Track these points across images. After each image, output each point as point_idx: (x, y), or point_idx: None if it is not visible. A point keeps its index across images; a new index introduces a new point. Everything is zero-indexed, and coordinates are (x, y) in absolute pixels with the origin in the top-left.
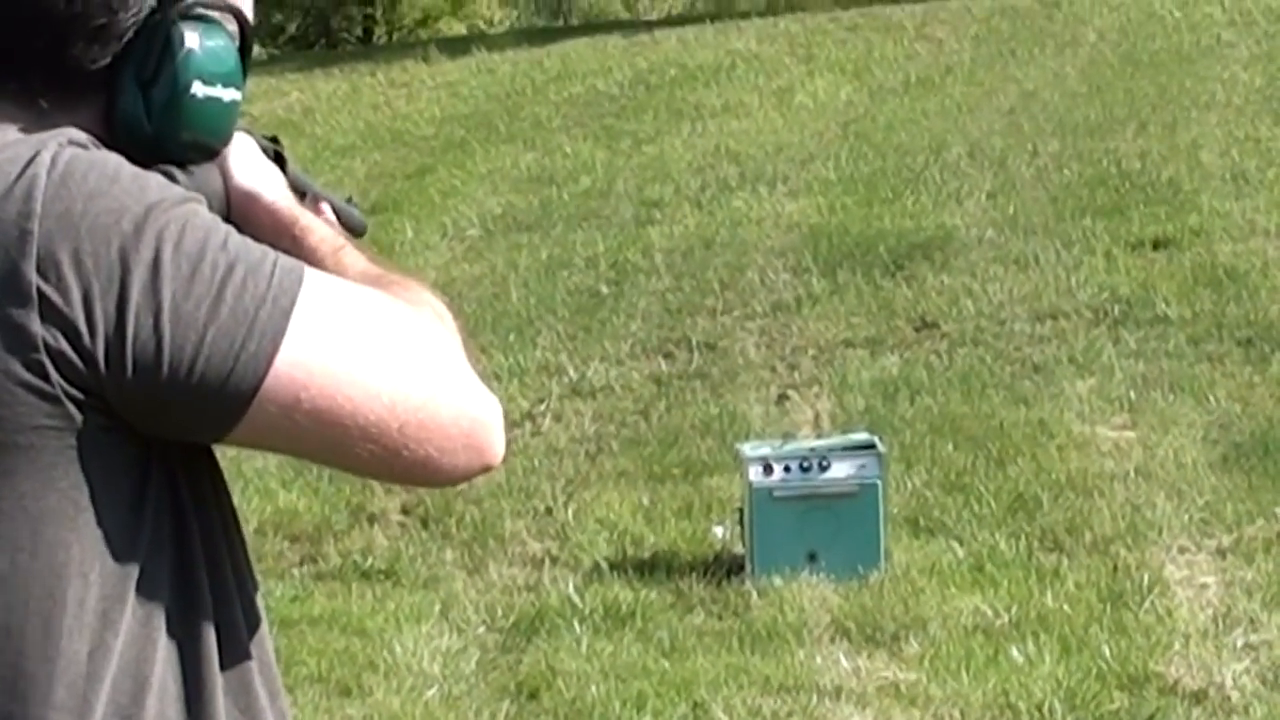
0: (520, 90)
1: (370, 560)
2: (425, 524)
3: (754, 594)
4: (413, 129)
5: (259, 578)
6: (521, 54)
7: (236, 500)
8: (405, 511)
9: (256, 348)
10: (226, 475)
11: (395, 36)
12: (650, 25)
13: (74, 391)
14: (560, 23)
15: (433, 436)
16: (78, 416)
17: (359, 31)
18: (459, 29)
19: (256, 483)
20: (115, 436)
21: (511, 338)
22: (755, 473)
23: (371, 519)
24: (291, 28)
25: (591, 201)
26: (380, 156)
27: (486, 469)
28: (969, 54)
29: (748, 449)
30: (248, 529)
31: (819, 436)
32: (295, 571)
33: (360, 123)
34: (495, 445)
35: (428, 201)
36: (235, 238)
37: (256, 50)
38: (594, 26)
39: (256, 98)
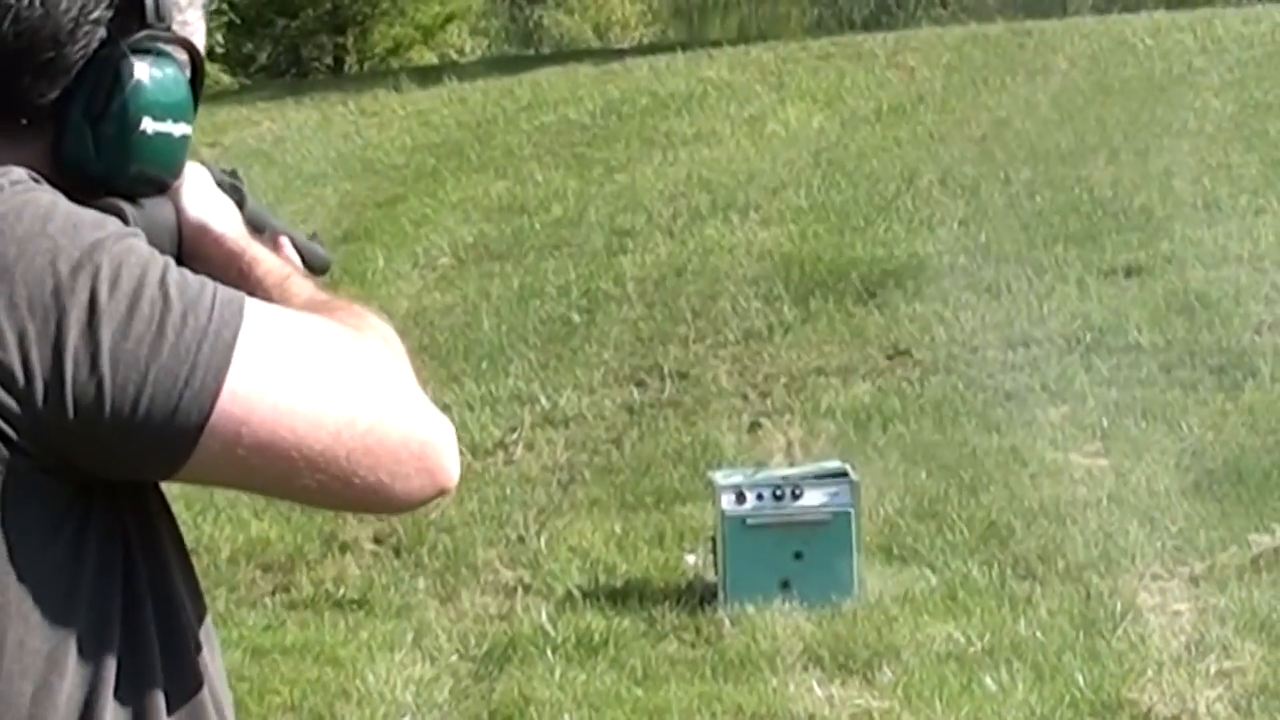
0: (491, 119)
1: (343, 589)
2: (398, 553)
3: (727, 622)
4: (384, 158)
5: (207, 601)
6: (493, 83)
7: (209, 529)
8: (378, 540)
9: (200, 384)
10: (199, 504)
11: (366, 65)
12: (621, 53)
13: (10, 433)
14: (531, 51)
15: (382, 462)
16: (14, 460)
17: (330, 60)
18: (430, 58)
19: (229, 512)
20: (54, 478)
21: (484, 366)
22: (728, 501)
23: (344, 548)
24: (262, 57)
25: (563, 230)
26: (351, 185)
27: (442, 492)
28: (940, 82)
29: (720, 477)
30: (220, 558)
31: (791, 465)
32: (268, 600)
33: (331, 151)
34: (448, 467)
35: (399, 230)
36: (174, 272)
37: (227, 80)
38: (565, 55)
39: (227, 127)
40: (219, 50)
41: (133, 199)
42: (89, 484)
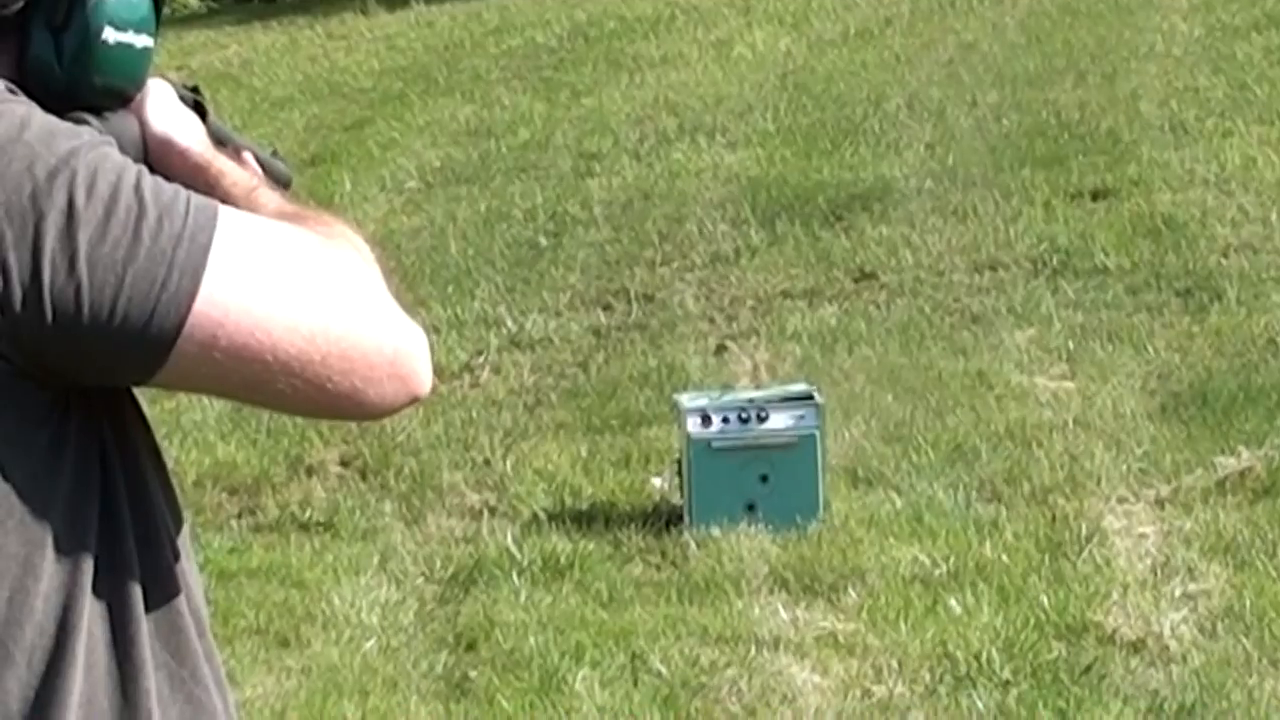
0: (458, 43)
1: (309, 512)
2: (364, 476)
3: (692, 545)
4: (351, 81)
5: (186, 514)
6: (460, 7)
7: (175, 452)
8: (344, 463)
9: (177, 287)
10: (165, 428)
11: None
12: None
13: None
14: None
15: (356, 367)
16: None
17: None
18: None
19: (195, 435)
20: (31, 384)
21: (450, 290)
22: (693, 424)
23: (310, 471)
24: None
25: (530, 154)
26: (318, 109)
27: (414, 399)
28: (908, 5)
29: (686, 400)
30: (185, 481)
31: (757, 387)
32: (233, 523)
33: (298, 75)
34: (421, 374)
35: (366, 154)
36: (148, 179)
37: (195, 3)
38: None
39: (194, 50)
40: None
41: (97, 111)
42: (66, 391)
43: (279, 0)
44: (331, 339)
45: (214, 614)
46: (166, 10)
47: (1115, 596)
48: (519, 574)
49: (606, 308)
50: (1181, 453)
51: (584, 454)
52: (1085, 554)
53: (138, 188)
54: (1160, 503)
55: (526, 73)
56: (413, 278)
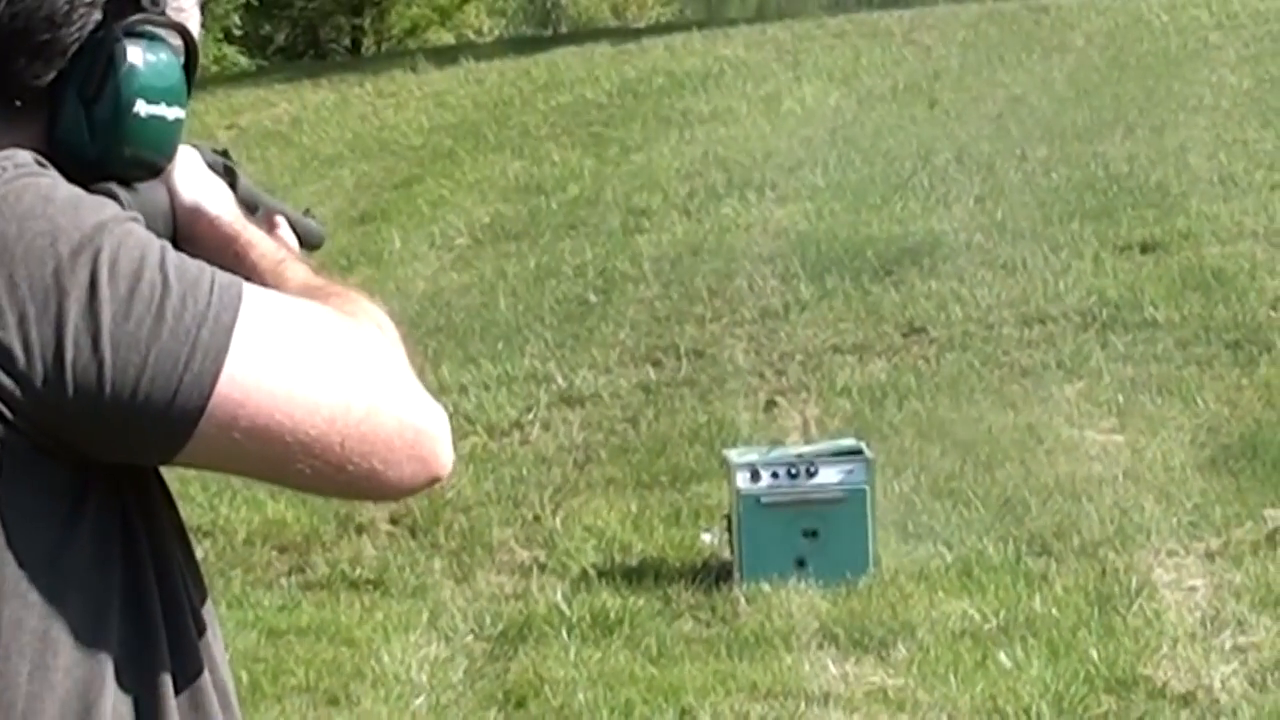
0: (508, 99)
1: (358, 570)
2: (413, 533)
3: (742, 600)
4: (400, 139)
5: (207, 584)
6: (509, 63)
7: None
8: (393, 521)
9: (200, 367)
10: (215, 486)
11: (383, 47)
12: (638, 33)
13: (7, 414)
14: (548, 31)
15: (376, 449)
16: (11, 439)
17: (347, 42)
18: (447, 38)
19: (245, 493)
20: (51, 459)
21: (500, 346)
22: (743, 479)
23: (360, 529)
24: (280, 38)
25: (579, 210)
26: (368, 166)
27: (434, 480)
28: (956, 60)
29: (735, 455)
30: (236, 539)
31: (807, 442)
32: (283, 581)
33: (348, 133)
34: (442, 455)
35: (416, 211)
36: (172, 255)
37: (245, 62)
38: (582, 35)
39: (244, 108)
40: (236, 32)
41: (127, 183)
42: (87, 466)
43: (329, 58)
44: (352, 421)
45: (264, 671)
46: (216, 68)
47: (1165, 649)
48: (568, 630)
49: (656, 364)
50: (1231, 505)
51: (634, 510)
52: (1135, 607)
53: (162, 265)
54: (1210, 555)
55: (576, 129)
56: (463, 335)
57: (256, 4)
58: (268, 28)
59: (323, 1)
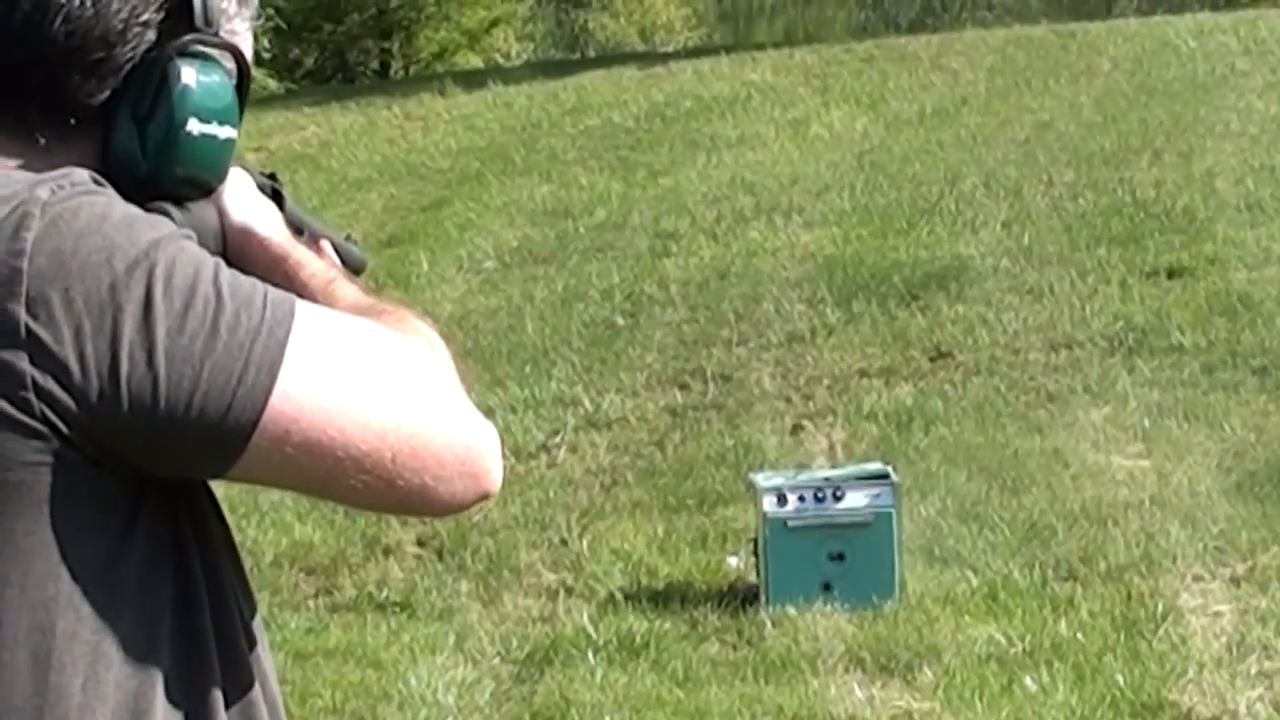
0: (536, 123)
1: (385, 592)
2: (440, 556)
3: (768, 624)
4: (429, 162)
5: (257, 598)
6: (537, 87)
7: (253, 533)
8: (420, 543)
9: (254, 382)
10: (243, 508)
11: (412, 70)
12: (666, 57)
13: (63, 428)
14: (576, 55)
15: (427, 465)
16: (66, 453)
17: (375, 65)
18: (475, 62)
19: (272, 515)
20: (104, 472)
21: (527, 369)
22: (770, 503)
23: (387, 551)
24: (308, 62)
25: (607, 234)
26: (396, 189)
27: (484, 497)
28: (984, 84)
29: (762, 479)
30: (263, 561)
31: (833, 466)
32: (311, 603)
33: (376, 156)
34: (492, 472)
35: (443, 234)
36: (226, 272)
37: (273, 85)
38: (609, 59)
39: (273, 131)
40: (265, 55)
41: (178, 202)
42: (140, 479)
43: (357, 81)
44: (404, 436)
45: (291, 694)
46: None
47: (1191, 675)
48: (595, 653)
49: (683, 387)
50: (1257, 531)
51: (660, 533)
52: (1161, 632)
53: (216, 281)
54: (1236, 581)
55: (603, 153)
56: (490, 358)
57: (285, 28)
58: (296, 51)
59: (351, 25)
